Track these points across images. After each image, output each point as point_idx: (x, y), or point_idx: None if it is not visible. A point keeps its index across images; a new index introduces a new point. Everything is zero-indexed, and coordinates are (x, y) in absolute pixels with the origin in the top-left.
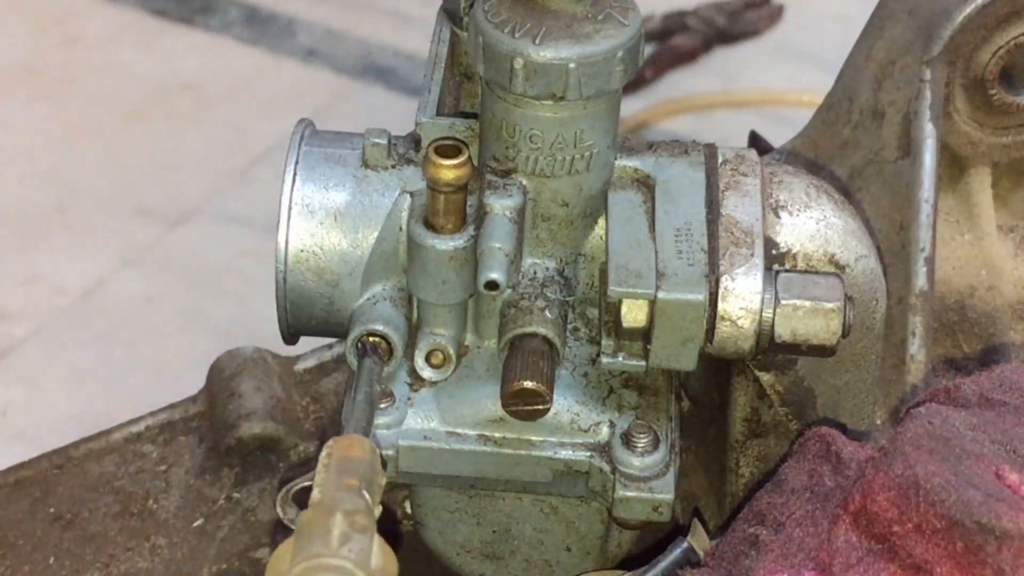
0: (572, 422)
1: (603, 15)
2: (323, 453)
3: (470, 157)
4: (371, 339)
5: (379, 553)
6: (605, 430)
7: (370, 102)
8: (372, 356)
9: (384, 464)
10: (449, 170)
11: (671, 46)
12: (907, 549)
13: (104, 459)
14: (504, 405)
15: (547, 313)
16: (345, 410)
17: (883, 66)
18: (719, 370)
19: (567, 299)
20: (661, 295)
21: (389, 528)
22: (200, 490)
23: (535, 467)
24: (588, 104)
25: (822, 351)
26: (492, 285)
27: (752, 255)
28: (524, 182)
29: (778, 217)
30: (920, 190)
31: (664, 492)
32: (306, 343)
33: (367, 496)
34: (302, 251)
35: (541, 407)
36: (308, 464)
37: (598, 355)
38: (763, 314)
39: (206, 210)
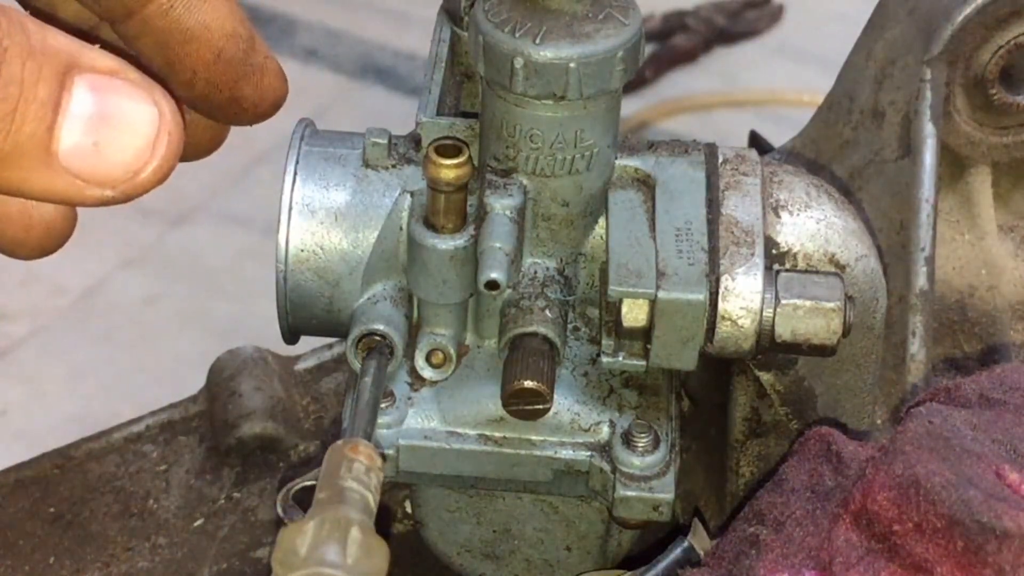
0: (572, 422)
1: (603, 15)
2: (327, 455)
3: (470, 157)
4: (373, 339)
5: (367, 551)
6: (605, 430)
7: (370, 102)
8: (378, 357)
9: (384, 458)
10: (449, 170)
11: (671, 46)
12: (908, 548)
13: (104, 459)
14: (504, 405)
15: (547, 313)
16: (346, 411)
17: (883, 66)
18: (719, 370)
19: (567, 299)
20: (661, 295)
21: (384, 529)
22: (200, 490)
23: (535, 467)
24: (588, 104)
25: (823, 351)
26: (492, 285)
27: (753, 254)
28: (524, 182)
29: (778, 217)
30: (920, 190)
31: (664, 492)
32: (306, 343)
33: (368, 497)
34: (302, 251)
35: (541, 407)
36: (308, 464)
37: (598, 355)
38: (763, 314)
39: (206, 210)
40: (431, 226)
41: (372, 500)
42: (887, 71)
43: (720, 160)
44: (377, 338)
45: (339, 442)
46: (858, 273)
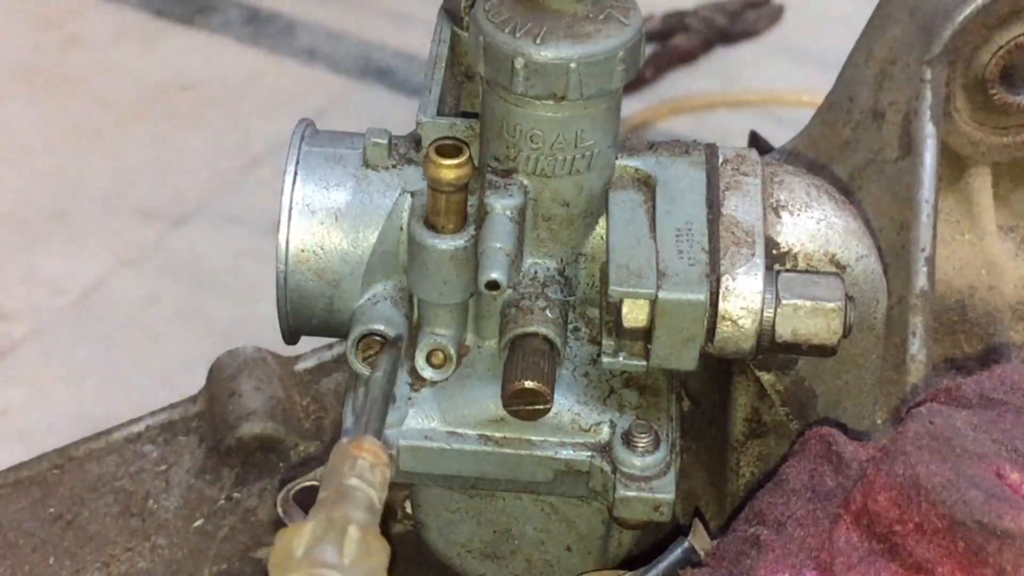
0: (573, 422)
1: (604, 15)
2: (332, 453)
3: (471, 157)
4: (373, 339)
5: (365, 550)
6: (606, 430)
7: (370, 102)
8: (392, 353)
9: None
10: (450, 170)
11: (671, 46)
12: (908, 549)
13: (104, 459)
14: (505, 405)
15: (548, 313)
16: (346, 411)
17: (883, 66)
18: (720, 370)
19: (568, 299)
20: (662, 295)
21: (383, 529)
22: (200, 490)
23: (536, 467)
24: (589, 104)
25: (823, 351)
26: (493, 285)
27: (753, 255)
28: (525, 182)
29: (779, 217)
30: (920, 190)
31: (665, 492)
32: (306, 343)
33: (372, 495)
34: (303, 251)
35: (542, 407)
36: (308, 464)
37: (599, 355)
38: (764, 314)
39: (206, 210)
40: (431, 226)
41: (376, 497)
42: (887, 71)
43: (720, 160)
44: (377, 338)
45: (344, 440)
46: (858, 273)
